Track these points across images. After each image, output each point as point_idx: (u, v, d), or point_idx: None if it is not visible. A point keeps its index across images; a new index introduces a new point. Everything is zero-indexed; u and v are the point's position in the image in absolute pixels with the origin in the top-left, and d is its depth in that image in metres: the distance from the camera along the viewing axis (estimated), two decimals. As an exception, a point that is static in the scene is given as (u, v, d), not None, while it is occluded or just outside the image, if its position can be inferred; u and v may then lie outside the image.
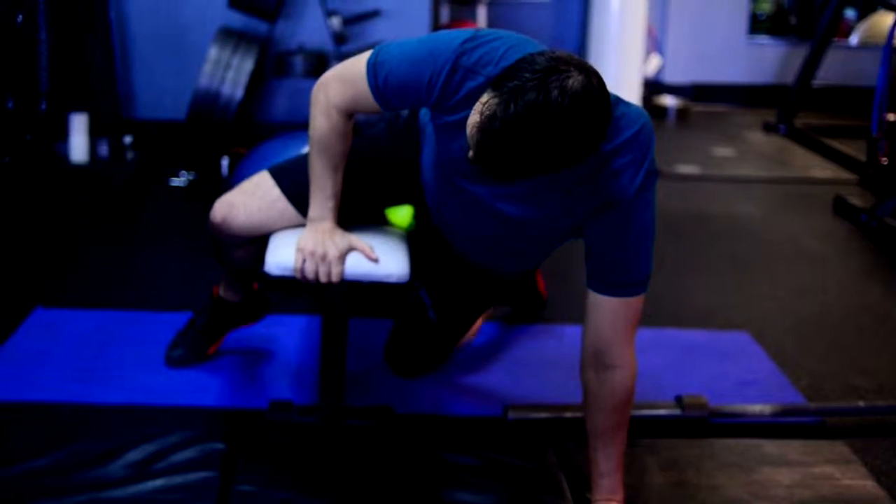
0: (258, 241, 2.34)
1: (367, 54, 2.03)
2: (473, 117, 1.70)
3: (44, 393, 2.48)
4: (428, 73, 1.93)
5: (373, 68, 1.99)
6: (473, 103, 1.77)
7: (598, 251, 1.97)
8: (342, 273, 2.15)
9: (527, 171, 1.70)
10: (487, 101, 1.67)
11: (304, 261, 2.14)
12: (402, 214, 2.86)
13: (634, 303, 1.98)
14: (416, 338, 2.61)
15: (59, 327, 2.85)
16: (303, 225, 2.26)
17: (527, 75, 1.65)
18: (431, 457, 2.27)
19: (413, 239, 2.43)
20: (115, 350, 2.72)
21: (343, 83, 2.06)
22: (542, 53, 1.70)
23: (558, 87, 1.63)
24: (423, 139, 2.32)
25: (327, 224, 2.17)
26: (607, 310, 1.97)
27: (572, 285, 2.11)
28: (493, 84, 1.69)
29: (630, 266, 1.96)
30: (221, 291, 2.62)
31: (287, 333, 2.86)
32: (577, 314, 2.03)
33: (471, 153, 1.74)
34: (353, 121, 2.14)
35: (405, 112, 2.37)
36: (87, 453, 2.18)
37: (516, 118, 1.63)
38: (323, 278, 2.15)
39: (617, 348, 1.98)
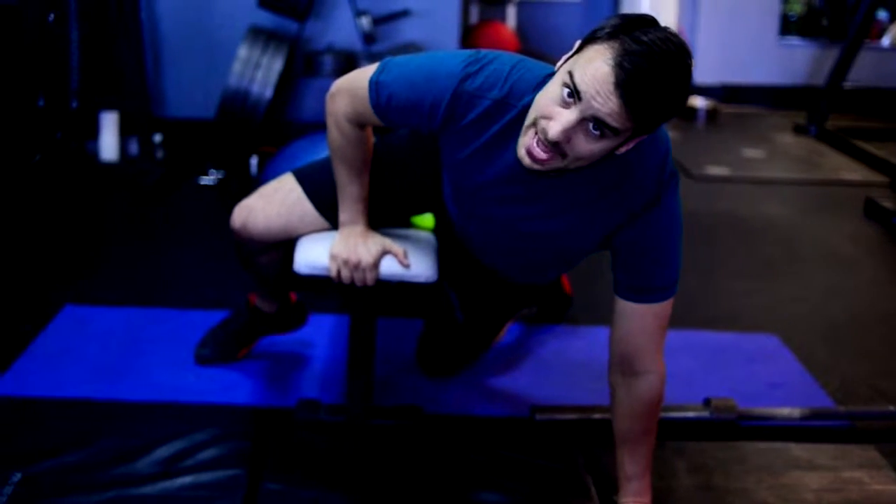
0: (281, 247, 2.31)
1: (373, 68, 1.96)
2: (603, 68, 1.59)
3: (73, 390, 2.50)
4: (429, 99, 1.87)
5: (375, 87, 1.93)
6: (482, 128, 1.73)
7: (626, 258, 1.93)
8: (376, 278, 2.15)
9: (673, 106, 1.65)
10: (608, 51, 1.60)
11: (338, 269, 2.14)
12: (426, 217, 2.85)
13: (663, 308, 1.94)
14: (446, 339, 2.60)
15: (89, 325, 2.87)
16: (325, 229, 2.25)
17: (624, 24, 1.62)
18: (459, 457, 2.27)
19: (439, 241, 2.42)
20: (144, 347, 2.74)
21: (349, 96, 2.00)
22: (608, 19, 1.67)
23: (664, 29, 1.63)
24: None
25: (359, 228, 2.16)
26: (636, 317, 1.93)
27: (600, 286, 2.10)
28: (588, 41, 1.64)
29: (658, 271, 1.91)
30: (257, 301, 2.60)
31: (316, 332, 2.86)
32: (605, 315, 2.01)
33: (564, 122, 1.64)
34: (369, 129, 2.09)
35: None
36: (116, 450, 2.19)
37: (657, 55, 1.58)
38: (359, 284, 2.15)
39: (646, 355, 1.95)
